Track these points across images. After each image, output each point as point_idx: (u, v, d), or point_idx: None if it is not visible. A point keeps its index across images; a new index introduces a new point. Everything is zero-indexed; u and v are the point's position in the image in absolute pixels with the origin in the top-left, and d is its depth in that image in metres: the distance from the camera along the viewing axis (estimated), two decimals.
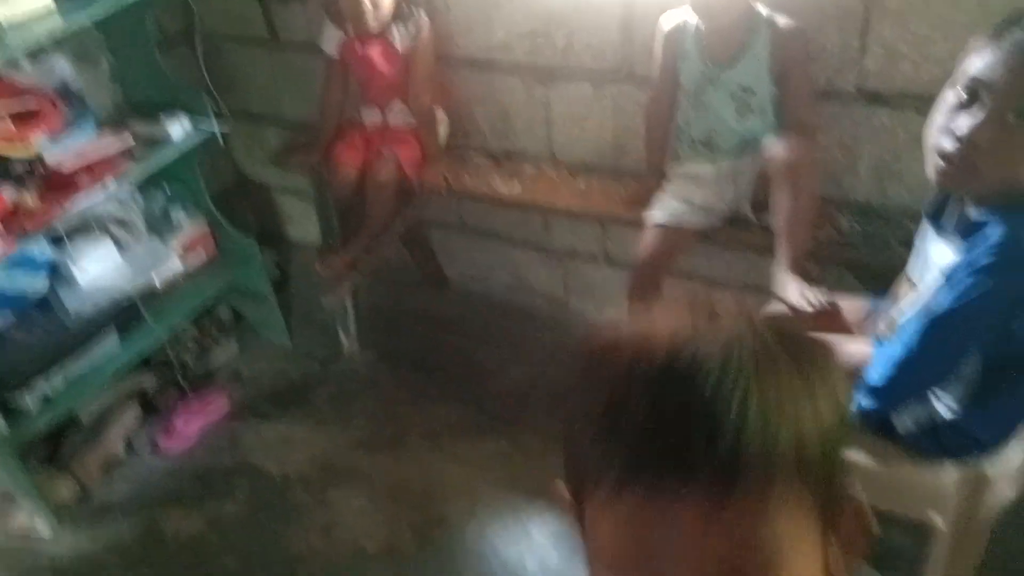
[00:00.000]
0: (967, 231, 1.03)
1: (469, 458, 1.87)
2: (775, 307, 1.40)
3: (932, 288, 1.06)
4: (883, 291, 1.30)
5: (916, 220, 1.56)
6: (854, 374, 1.17)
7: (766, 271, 1.84)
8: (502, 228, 2.22)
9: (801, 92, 1.51)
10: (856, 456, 1.18)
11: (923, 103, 1.48)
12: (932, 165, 1.02)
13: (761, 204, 1.55)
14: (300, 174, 2.20)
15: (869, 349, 1.20)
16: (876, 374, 1.12)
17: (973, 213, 1.03)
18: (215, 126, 1.97)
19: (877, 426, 1.17)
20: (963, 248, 1.02)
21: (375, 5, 1.79)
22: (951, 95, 0.99)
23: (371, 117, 2.03)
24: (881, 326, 1.23)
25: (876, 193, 1.62)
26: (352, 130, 2.05)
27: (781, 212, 1.45)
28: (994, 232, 0.98)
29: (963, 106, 0.96)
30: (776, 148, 1.45)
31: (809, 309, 1.32)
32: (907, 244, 1.50)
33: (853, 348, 1.22)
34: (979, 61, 0.95)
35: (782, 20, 1.48)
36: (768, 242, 1.57)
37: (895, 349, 1.09)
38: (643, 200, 1.68)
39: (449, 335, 2.26)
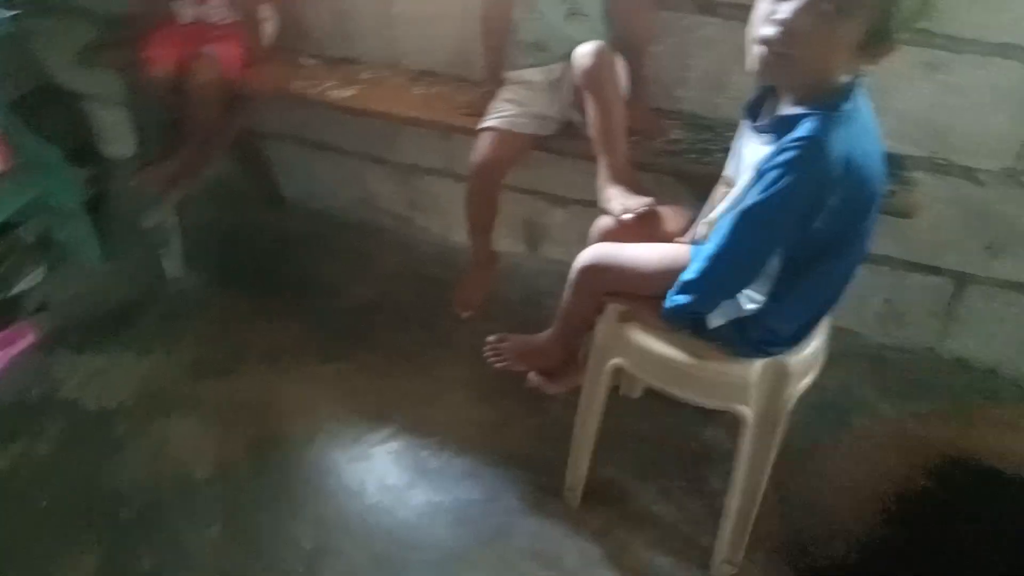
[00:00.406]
0: (781, 128, 1.05)
1: (309, 378, 1.79)
2: (604, 220, 1.41)
3: (745, 185, 1.09)
4: (705, 198, 1.34)
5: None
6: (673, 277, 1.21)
7: None
8: (344, 141, 2.11)
9: None
10: (671, 352, 1.23)
11: (748, 11, 1.52)
12: (754, 55, 1.03)
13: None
14: (111, 75, 1.96)
15: (687, 252, 1.24)
16: (691, 270, 1.15)
17: (788, 110, 1.06)
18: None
19: (690, 323, 1.21)
20: (776, 145, 1.05)
21: None
22: None
23: (187, 11, 1.83)
24: (700, 229, 1.27)
25: (705, 105, 1.66)
26: (167, 25, 1.84)
27: (593, 123, 1.44)
28: (802, 127, 1.00)
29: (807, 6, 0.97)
30: (578, 58, 1.43)
31: (629, 217, 1.34)
32: (727, 152, 1.57)
33: (672, 252, 1.25)
34: None
35: None
36: None
37: (709, 246, 1.13)
38: (482, 108, 1.63)
39: (288, 254, 2.14)
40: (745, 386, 1.22)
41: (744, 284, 1.16)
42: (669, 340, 1.24)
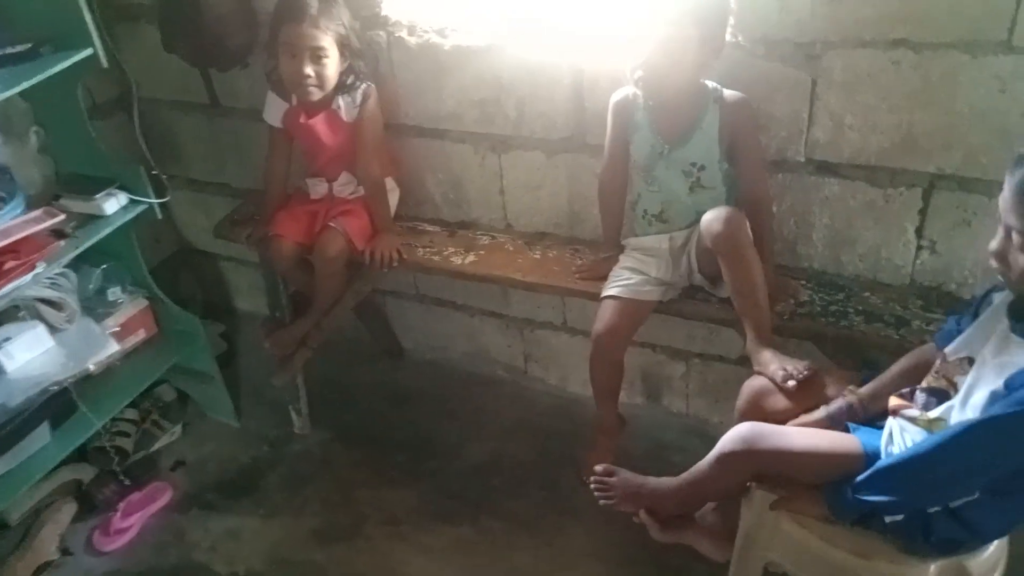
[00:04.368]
0: None
1: (431, 546, 1.77)
2: (757, 381, 1.36)
3: (989, 390, 1.02)
4: (869, 363, 1.28)
5: (873, 290, 1.57)
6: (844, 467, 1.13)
7: (727, 340, 1.82)
8: (459, 296, 2.17)
9: (752, 163, 1.50)
10: (833, 551, 1.14)
11: (871, 172, 1.50)
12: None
13: (716, 277, 1.51)
14: (246, 247, 2.10)
15: (856, 442, 1.16)
16: (893, 465, 1.07)
17: None
18: (153, 199, 1.88)
19: (860, 516, 1.12)
20: None
21: (319, 77, 1.72)
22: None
23: (318, 188, 1.96)
24: (910, 409, 1.16)
25: (831, 262, 1.62)
26: (297, 201, 1.97)
27: (733, 287, 1.42)
28: None
29: (1006, 236, 1.02)
30: (711, 223, 1.41)
31: (791, 382, 1.29)
32: (865, 314, 1.50)
33: (840, 441, 1.18)
34: (1002, 195, 1.01)
35: (728, 93, 1.47)
36: (727, 314, 1.55)
37: (929, 443, 1.05)
38: (600, 273, 1.65)
39: (407, 409, 2.17)
40: None
41: (963, 494, 1.06)
42: (830, 535, 1.15)
